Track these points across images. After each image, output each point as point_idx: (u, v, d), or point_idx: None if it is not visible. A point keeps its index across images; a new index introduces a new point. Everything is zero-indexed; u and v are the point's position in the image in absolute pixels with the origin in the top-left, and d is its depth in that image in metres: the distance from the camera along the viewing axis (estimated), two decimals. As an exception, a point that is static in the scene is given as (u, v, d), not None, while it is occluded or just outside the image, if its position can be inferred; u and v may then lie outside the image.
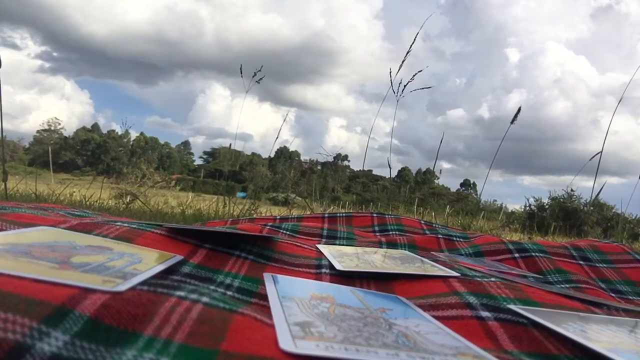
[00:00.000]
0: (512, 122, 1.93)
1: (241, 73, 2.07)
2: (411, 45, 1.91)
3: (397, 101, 1.95)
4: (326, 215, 0.99)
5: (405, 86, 1.92)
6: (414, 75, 1.93)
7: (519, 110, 1.92)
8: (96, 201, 1.63)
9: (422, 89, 2.00)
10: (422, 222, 1.01)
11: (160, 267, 0.35)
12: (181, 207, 1.78)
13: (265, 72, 2.06)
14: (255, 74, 2.07)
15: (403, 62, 1.92)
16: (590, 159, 1.95)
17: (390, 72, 1.89)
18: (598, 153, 1.93)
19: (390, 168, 2.06)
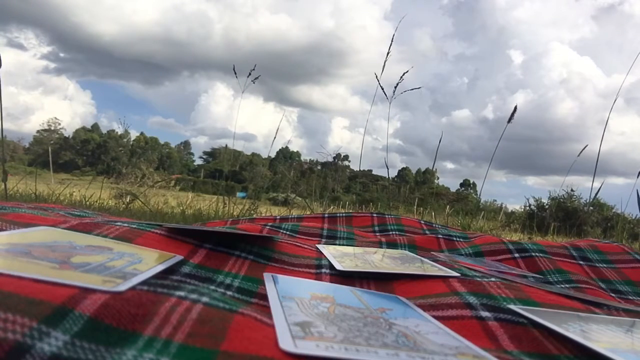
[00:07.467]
0: (508, 121, 1.93)
1: (235, 74, 2.10)
2: (390, 48, 1.94)
3: (390, 103, 1.97)
4: (326, 215, 1.00)
5: (395, 87, 1.94)
6: (402, 76, 1.95)
7: (515, 109, 1.93)
8: (96, 201, 1.64)
9: (412, 89, 2.02)
10: (422, 222, 1.01)
11: (160, 267, 0.35)
12: (181, 207, 1.78)
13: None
14: (250, 74, 2.08)
15: (385, 62, 1.95)
16: (578, 155, 1.96)
17: (377, 76, 1.92)
18: (585, 146, 1.94)
19: (387, 168, 2.05)
